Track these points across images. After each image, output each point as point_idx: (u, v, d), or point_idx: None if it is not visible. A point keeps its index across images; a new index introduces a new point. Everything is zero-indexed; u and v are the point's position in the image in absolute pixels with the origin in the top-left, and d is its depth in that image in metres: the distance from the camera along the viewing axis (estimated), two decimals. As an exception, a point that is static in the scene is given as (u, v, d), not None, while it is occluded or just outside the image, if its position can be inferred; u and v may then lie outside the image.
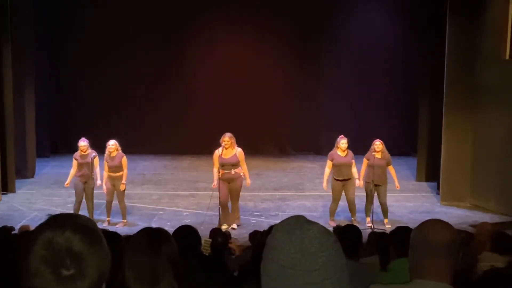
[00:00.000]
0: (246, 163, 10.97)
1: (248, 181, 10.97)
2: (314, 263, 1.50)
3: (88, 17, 16.47)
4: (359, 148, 12.46)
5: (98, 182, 10.78)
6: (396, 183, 11.06)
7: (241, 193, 11.02)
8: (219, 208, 10.81)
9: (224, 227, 10.43)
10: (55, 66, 16.79)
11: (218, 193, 10.76)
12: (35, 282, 1.45)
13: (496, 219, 11.32)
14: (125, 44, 16.61)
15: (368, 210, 10.94)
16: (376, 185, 10.82)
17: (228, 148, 10.66)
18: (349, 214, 11.14)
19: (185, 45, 16.71)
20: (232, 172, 10.67)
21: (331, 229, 7.67)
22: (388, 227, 10.47)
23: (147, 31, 16.60)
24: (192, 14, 16.53)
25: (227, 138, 10.67)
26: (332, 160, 10.88)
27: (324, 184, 11.09)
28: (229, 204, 10.95)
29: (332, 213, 11.06)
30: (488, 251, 6.18)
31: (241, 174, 10.79)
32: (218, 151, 10.71)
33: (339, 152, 10.85)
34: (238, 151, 10.76)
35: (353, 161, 10.91)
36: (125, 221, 10.93)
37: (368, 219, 10.88)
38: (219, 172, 10.64)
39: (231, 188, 10.77)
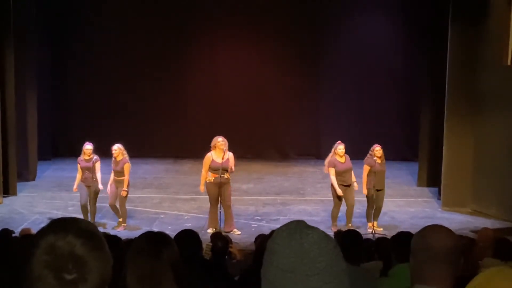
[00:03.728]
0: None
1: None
2: (314, 267, 1.51)
3: (90, 20, 16.50)
4: (360, 153, 12.42)
5: (100, 186, 10.82)
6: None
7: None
8: (219, 212, 10.78)
9: (209, 230, 10.38)
10: (57, 70, 16.80)
11: (208, 196, 10.75)
12: (38, 286, 1.46)
13: (497, 225, 11.31)
14: (127, 48, 16.63)
15: (369, 215, 10.95)
16: (377, 190, 10.85)
17: (221, 152, 10.64)
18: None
19: (186, 49, 16.72)
20: (225, 176, 10.66)
21: (332, 234, 7.67)
22: (379, 230, 10.57)
23: (149, 35, 16.63)
24: (193, 18, 16.54)
25: (223, 140, 10.66)
26: (334, 167, 10.85)
27: (339, 190, 10.77)
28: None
29: (334, 218, 11.03)
30: (490, 257, 6.18)
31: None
32: (210, 155, 10.69)
33: (338, 158, 10.84)
34: (230, 155, 10.74)
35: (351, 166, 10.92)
36: (125, 224, 10.96)
37: (370, 224, 10.90)
38: (211, 176, 10.61)
39: (221, 194, 10.72)
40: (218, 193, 10.70)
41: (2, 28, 12.80)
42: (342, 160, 10.83)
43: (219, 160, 10.60)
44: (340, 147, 10.84)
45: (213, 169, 10.62)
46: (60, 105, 16.89)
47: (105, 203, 11.12)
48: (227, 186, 10.72)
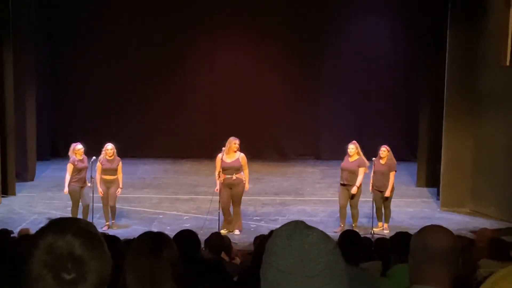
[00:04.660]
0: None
1: (247, 186, 10.96)
2: (313, 269, 1.50)
3: (89, 21, 16.48)
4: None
5: (89, 184, 10.76)
6: (387, 192, 10.85)
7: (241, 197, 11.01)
8: (218, 212, 10.79)
9: (223, 231, 10.41)
10: (56, 70, 16.80)
11: (218, 197, 10.76)
12: (37, 286, 1.46)
13: (496, 225, 11.31)
14: (126, 49, 16.62)
15: (377, 215, 10.98)
16: (379, 190, 10.85)
17: (232, 152, 10.65)
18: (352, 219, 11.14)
19: (186, 49, 16.71)
20: (234, 177, 10.65)
21: (336, 235, 7.68)
22: (386, 232, 10.54)
23: (148, 35, 16.62)
24: (193, 18, 16.54)
25: (237, 141, 10.68)
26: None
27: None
28: (231, 209, 10.93)
29: (341, 217, 10.99)
30: (488, 258, 6.18)
31: (243, 179, 10.77)
32: (220, 155, 10.71)
33: (347, 157, 10.90)
34: (241, 155, 10.74)
35: (361, 168, 10.75)
36: (113, 221, 10.97)
37: (380, 223, 10.94)
38: (220, 177, 10.62)
39: (232, 193, 10.74)
40: (229, 193, 10.71)
41: (1, 28, 12.79)
42: (351, 159, 10.86)
43: (228, 160, 10.62)
44: (350, 147, 10.90)
45: (223, 169, 10.63)
46: (60, 105, 16.89)
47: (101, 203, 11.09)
48: (237, 187, 10.72)
